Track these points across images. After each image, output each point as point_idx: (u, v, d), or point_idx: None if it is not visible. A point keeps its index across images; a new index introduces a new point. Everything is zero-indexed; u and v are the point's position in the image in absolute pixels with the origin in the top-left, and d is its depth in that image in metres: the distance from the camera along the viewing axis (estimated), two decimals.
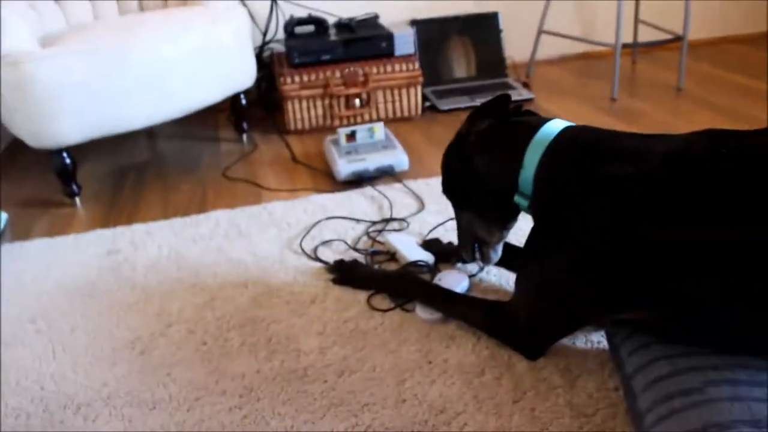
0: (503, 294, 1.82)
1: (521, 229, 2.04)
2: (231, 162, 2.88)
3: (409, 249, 1.97)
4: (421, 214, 2.26)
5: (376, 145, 2.66)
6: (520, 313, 1.55)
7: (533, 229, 1.49)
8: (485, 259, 1.76)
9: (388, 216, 2.23)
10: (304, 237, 2.15)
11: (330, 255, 2.04)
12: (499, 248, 1.75)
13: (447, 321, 1.73)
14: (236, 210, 2.38)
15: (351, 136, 2.67)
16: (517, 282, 1.55)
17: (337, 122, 3.20)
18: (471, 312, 1.67)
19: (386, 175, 2.55)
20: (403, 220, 2.20)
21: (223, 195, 2.54)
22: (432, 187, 2.46)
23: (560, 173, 1.42)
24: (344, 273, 1.92)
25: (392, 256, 2.00)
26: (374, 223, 2.19)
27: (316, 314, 1.79)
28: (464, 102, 3.42)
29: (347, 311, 1.80)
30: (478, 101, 3.35)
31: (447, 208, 2.30)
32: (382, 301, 1.82)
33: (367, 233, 2.14)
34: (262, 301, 1.87)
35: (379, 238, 2.10)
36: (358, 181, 2.53)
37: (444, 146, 2.86)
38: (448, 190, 1.70)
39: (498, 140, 1.55)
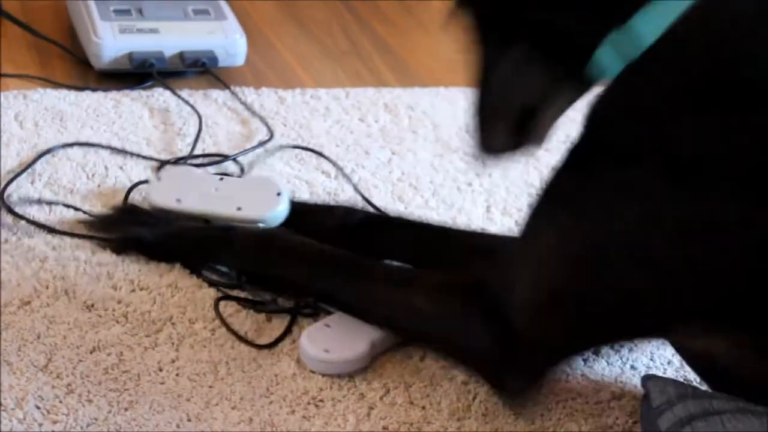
0: None
1: None
2: None
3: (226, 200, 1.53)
4: (264, 153, 1.81)
5: (183, 9, 2.09)
6: (515, 294, 1.15)
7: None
8: (538, 137, 1.31)
9: (196, 148, 1.75)
10: (17, 176, 1.60)
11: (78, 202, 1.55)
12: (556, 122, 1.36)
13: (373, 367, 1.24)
14: None
15: None
16: (524, 234, 1.19)
17: None
18: (400, 296, 1.24)
19: (199, 68, 2.04)
20: (227, 158, 1.72)
21: None
22: (288, 107, 1.97)
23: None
24: (156, 237, 1.39)
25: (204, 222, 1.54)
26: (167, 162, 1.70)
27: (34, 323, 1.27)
28: None
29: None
30: None
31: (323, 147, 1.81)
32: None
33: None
34: None
35: (145, 192, 1.57)
36: (138, 73, 1.94)
37: (322, 32, 2.38)
38: None
39: None
